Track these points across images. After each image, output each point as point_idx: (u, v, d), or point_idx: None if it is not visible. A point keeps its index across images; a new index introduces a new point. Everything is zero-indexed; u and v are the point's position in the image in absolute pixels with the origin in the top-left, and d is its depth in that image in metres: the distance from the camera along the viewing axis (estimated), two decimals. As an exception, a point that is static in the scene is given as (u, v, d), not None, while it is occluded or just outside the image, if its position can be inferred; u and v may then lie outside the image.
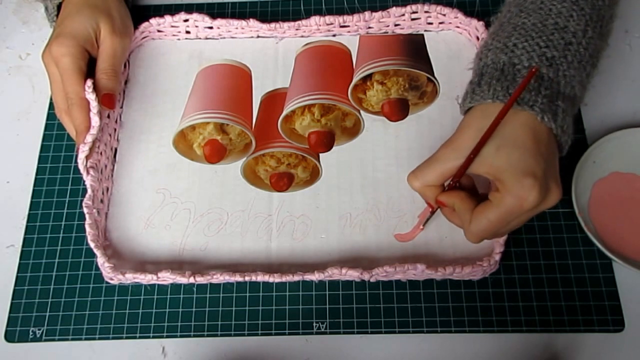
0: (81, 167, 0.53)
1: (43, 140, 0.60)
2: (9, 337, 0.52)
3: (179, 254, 0.54)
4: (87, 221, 0.52)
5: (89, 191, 0.53)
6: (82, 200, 0.53)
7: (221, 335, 0.51)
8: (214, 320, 0.52)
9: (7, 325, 0.52)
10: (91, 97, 0.52)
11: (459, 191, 0.45)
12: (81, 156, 0.53)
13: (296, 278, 0.50)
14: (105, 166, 0.56)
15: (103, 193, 0.55)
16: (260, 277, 0.50)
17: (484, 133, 0.42)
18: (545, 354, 0.50)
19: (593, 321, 0.51)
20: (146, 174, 0.57)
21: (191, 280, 0.50)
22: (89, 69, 0.55)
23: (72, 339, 0.52)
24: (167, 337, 0.52)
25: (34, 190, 0.57)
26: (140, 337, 0.52)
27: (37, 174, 0.58)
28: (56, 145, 0.59)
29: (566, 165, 0.56)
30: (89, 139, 0.52)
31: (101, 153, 0.56)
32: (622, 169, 0.55)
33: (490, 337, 0.51)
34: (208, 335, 0.51)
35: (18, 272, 0.54)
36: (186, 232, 0.55)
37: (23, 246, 0.55)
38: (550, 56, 0.44)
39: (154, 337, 0.52)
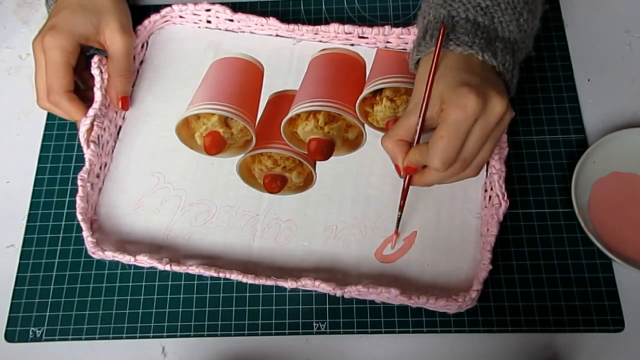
0: (82, 139, 0.54)
1: (43, 140, 0.60)
2: (9, 337, 0.52)
3: (163, 239, 0.54)
4: (79, 194, 0.52)
5: (87, 165, 0.53)
6: (82, 200, 0.53)
7: (221, 335, 0.52)
8: (214, 320, 0.52)
9: (7, 325, 0.52)
10: (96, 72, 0.54)
11: (417, 145, 0.47)
12: (82, 129, 0.53)
13: (269, 282, 0.50)
14: (107, 142, 0.57)
15: (100, 168, 0.56)
16: (235, 276, 0.50)
17: (427, 77, 0.46)
18: (545, 353, 0.50)
19: (593, 321, 0.51)
20: (145, 156, 0.58)
21: (167, 267, 0.51)
22: (79, 61, 0.55)
23: (72, 339, 0.52)
24: (167, 337, 0.52)
25: (34, 190, 0.57)
26: (140, 337, 0.52)
27: (37, 174, 0.58)
28: (56, 145, 0.59)
29: (566, 165, 0.56)
30: (91, 112, 0.53)
31: (105, 129, 0.56)
32: (622, 168, 0.55)
33: (490, 337, 0.51)
34: (208, 335, 0.52)
35: (18, 272, 0.54)
36: (173, 218, 0.55)
37: (23, 246, 0.55)
38: (484, 5, 0.48)
39: (154, 337, 0.52)
